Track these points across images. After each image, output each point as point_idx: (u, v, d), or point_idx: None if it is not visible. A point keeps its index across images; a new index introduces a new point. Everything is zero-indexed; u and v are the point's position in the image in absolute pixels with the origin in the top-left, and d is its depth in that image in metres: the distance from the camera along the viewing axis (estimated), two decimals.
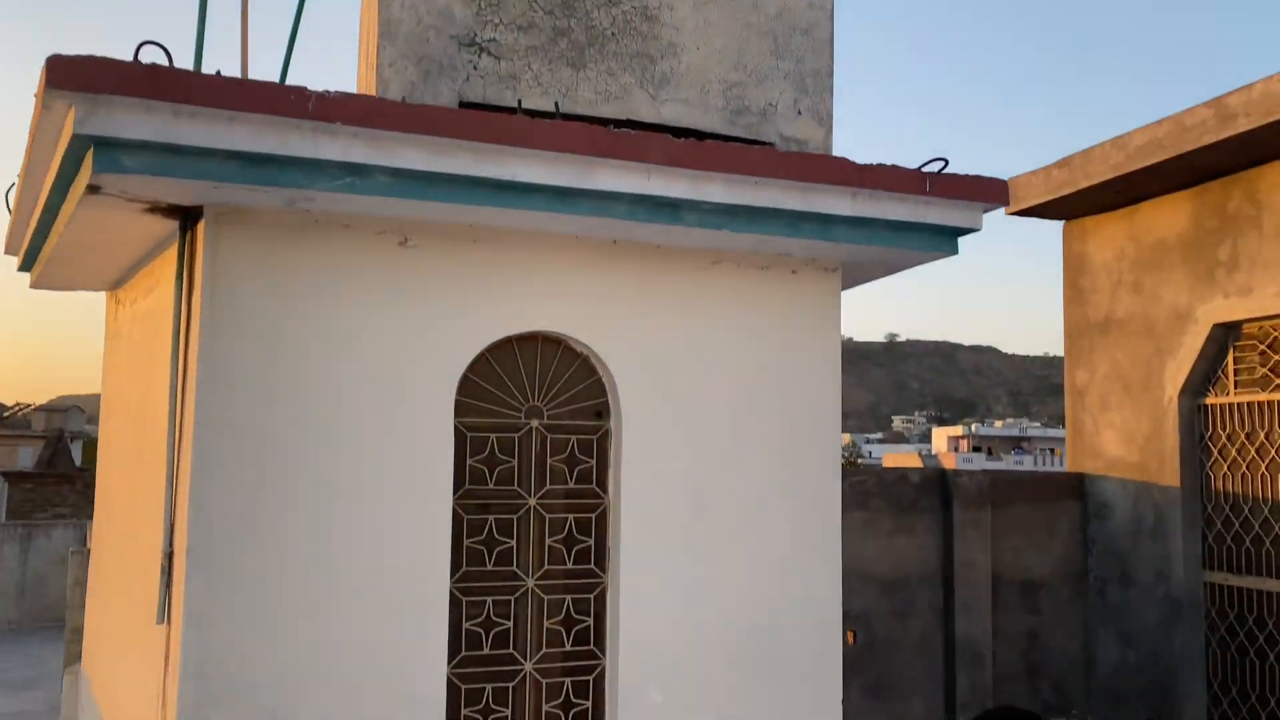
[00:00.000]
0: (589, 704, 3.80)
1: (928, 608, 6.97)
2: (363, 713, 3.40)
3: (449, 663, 3.57)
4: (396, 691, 3.45)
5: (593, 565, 3.85)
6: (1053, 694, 7.09)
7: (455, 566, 3.64)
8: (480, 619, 3.70)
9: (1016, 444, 62.93)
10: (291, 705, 3.32)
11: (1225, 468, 6.30)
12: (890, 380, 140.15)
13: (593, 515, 3.87)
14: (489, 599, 3.71)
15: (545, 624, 3.77)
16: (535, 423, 3.82)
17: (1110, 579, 7.00)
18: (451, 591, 3.60)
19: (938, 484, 7.09)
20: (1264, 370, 6.08)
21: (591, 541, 3.86)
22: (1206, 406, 6.44)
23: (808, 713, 3.96)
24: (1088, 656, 7.10)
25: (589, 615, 3.84)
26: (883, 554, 6.89)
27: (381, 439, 3.50)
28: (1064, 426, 7.71)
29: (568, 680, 3.79)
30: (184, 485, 3.34)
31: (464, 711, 3.64)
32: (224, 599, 3.26)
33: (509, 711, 3.71)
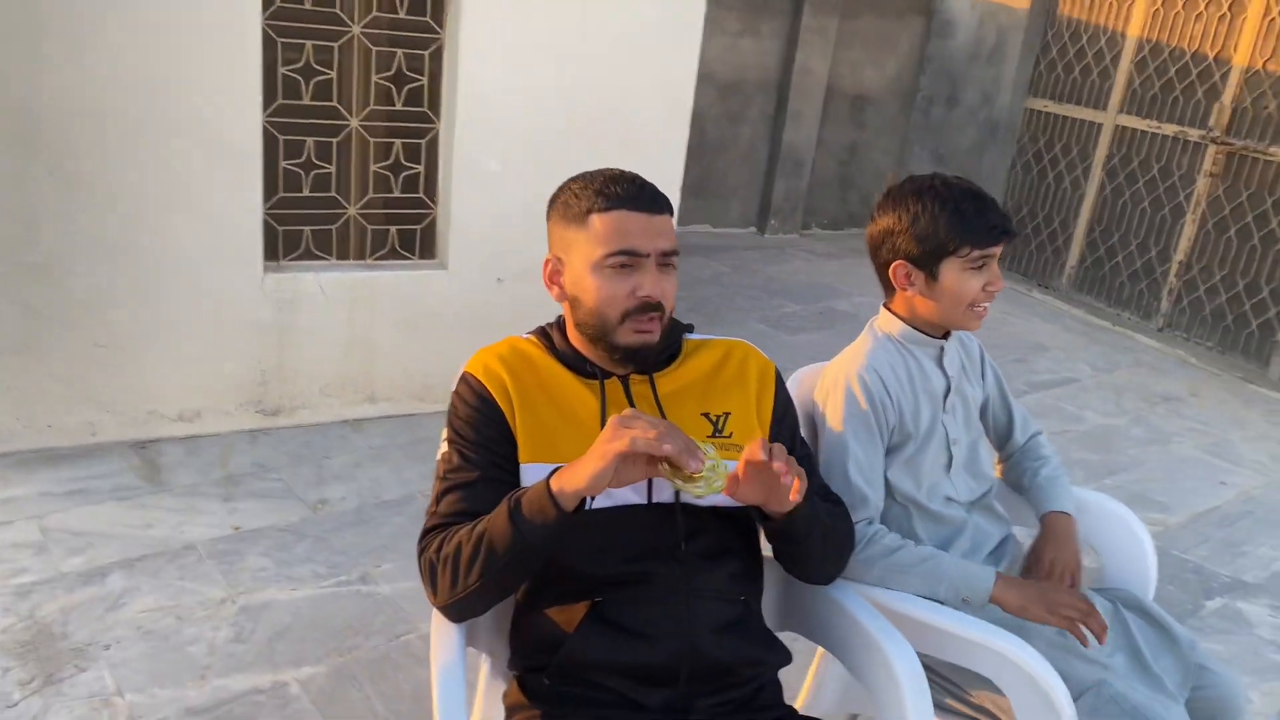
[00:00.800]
0: (421, 169, 3.58)
1: (759, 115, 6.93)
2: (173, 163, 3.06)
3: (264, 110, 3.21)
4: (207, 138, 3.09)
5: (428, 18, 3.42)
6: (859, 205, 7.45)
7: (266, 3, 3.14)
8: (299, 65, 3.28)
9: None
10: (71, 140, 2.92)
11: None
12: None
13: None
14: (308, 43, 3.27)
15: (373, 78, 3.40)
16: None
17: (938, 99, 7.11)
18: (264, 29, 3.14)
19: None
20: None
21: None
22: None
23: None
24: (899, 171, 7.39)
25: (423, 74, 3.48)
26: (725, 55, 6.65)
27: None
28: None
29: (398, 142, 3.52)
30: None
31: (283, 164, 3.35)
32: None
33: (333, 168, 3.45)
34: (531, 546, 1.31)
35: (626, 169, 1.55)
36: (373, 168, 3.49)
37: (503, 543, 1.32)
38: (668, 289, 1.47)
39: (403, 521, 3.04)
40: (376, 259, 3.59)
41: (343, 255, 3.54)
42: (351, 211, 3.51)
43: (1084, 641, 1.69)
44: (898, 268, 1.83)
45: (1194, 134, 5.55)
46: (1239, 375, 5.27)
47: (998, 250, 1.77)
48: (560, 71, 3.57)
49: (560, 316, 1.61)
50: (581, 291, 1.48)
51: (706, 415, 1.54)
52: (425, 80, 3.48)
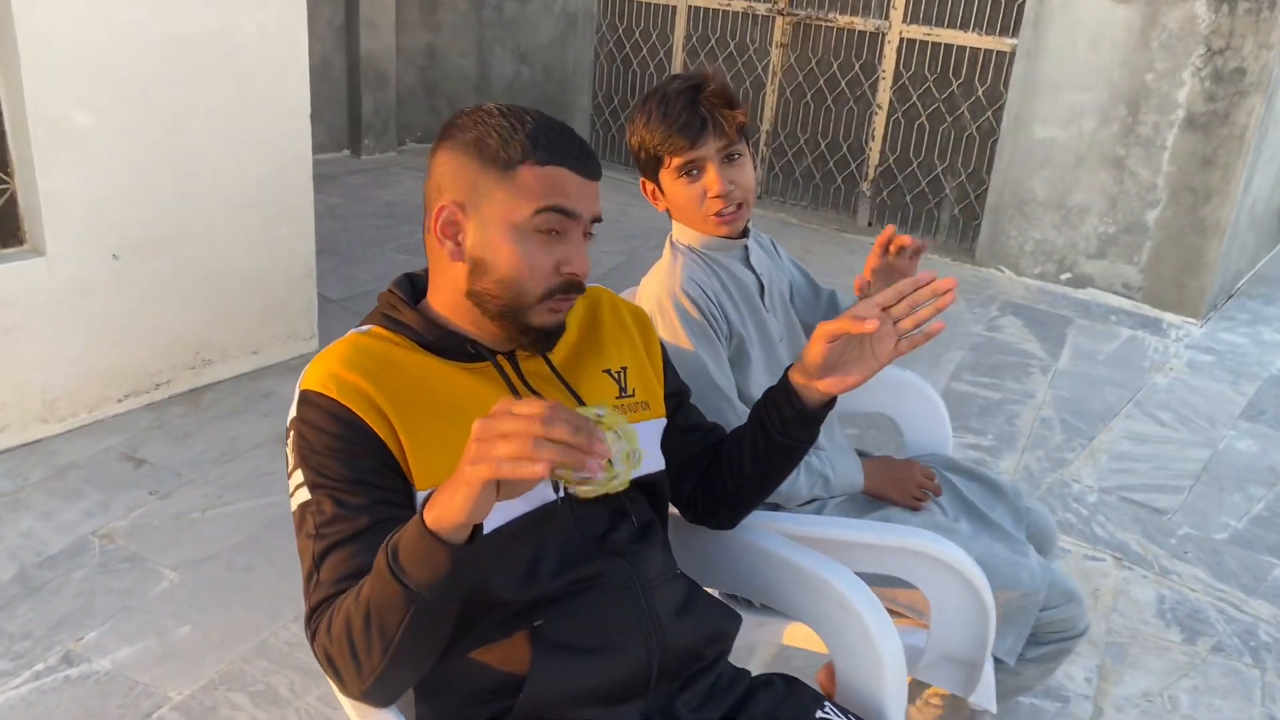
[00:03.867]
0: None
1: (327, 26, 6.32)
2: None
3: None
4: None
5: None
6: (449, 112, 7.13)
7: None
8: None
9: None
10: None
11: None
12: None
13: None
14: None
15: None
16: None
17: None
18: None
19: None
20: None
21: None
22: None
23: (270, 121, 3.39)
24: (482, 74, 7.17)
25: None
26: None
27: None
28: None
29: None
30: None
31: None
32: None
33: None
34: (429, 602, 1.00)
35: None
36: None
37: (392, 607, 1.01)
38: (588, 265, 1.23)
39: (87, 575, 2.46)
40: None
41: None
42: None
43: (917, 509, 1.82)
44: (644, 184, 1.77)
45: (761, 8, 5.90)
46: (835, 227, 5.84)
47: (702, 153, 1.65)
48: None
49: (403, 288, 1.29)
50: (493, 254, 1.19)
51: (609, 373, 1.33)
52: None
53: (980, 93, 5.27)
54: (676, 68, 6.34)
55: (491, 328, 1.23)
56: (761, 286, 1.82)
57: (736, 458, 1.39)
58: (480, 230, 1.18)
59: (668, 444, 1.39)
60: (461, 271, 1.21)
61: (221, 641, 2.28)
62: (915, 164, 5.57)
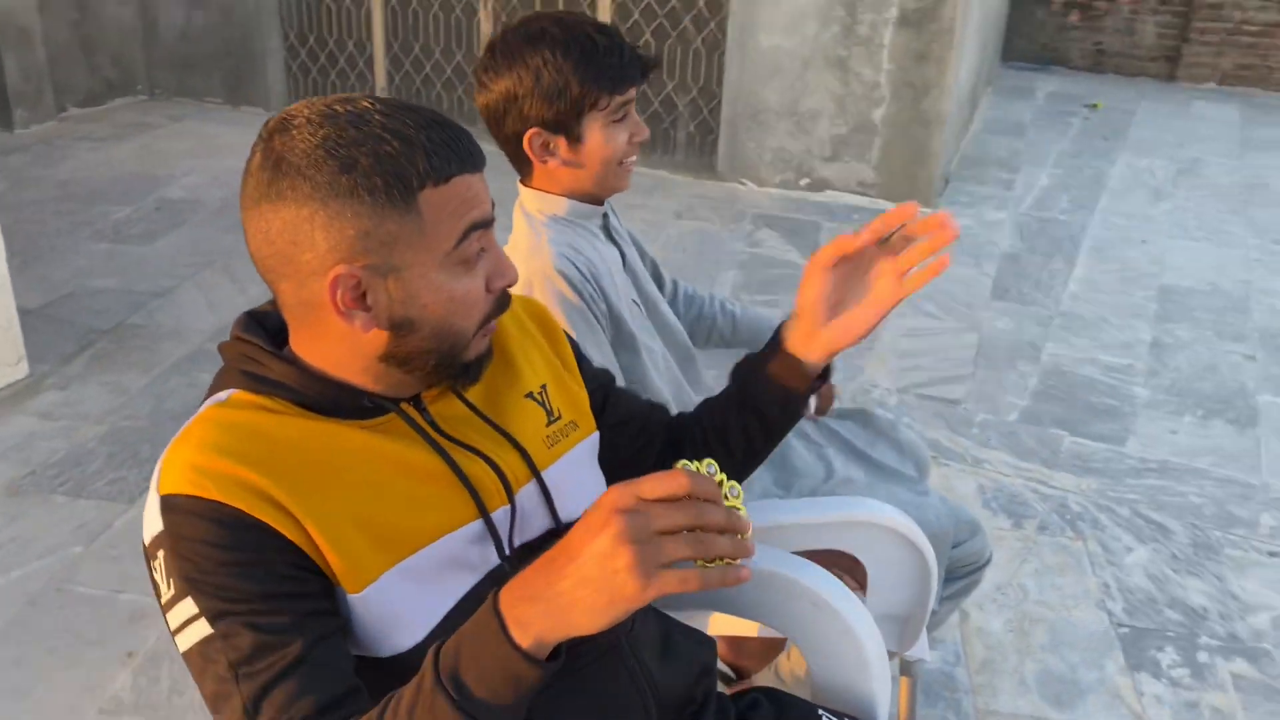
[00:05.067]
0: None
1: None
2: None
3: None
4: None
5: None
6: (114, 70, 6.23)
7: None
8: None
9: None
10: None
11: None
12: None
13: None
14: None
15: None
16: None
17: None
18: None
19: None
20: None
21: None
22: None
23: None
24: (148, 23, 6.28)
25: None
26: None
27: None
28: None
29: None
30: None
31: None
32: None
33: None
34: None
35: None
36: None
37: None
38: (515, 267, 1.00)
39: None
40: None
41: None
42: None
43: None
44: (533, 137, 1.54)
45: None
46: None
47: (634, 93, 1.55)
48: None
49: (253, 333, 0.99)
50: (419, 309, 0.93)
51: (532, 397, 1.11)
52: None
53: (702, 4, 5.22)
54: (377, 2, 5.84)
55: (388, 373, 0.97)
56: (623, 257, 1.66)
57: (719, 447, 1.22)
58: (400, 287, 0.92)
59: (607, 452, 1.19)
60: (377, 339, 0.94)
61: None
62: (646, 84, 5.46)
